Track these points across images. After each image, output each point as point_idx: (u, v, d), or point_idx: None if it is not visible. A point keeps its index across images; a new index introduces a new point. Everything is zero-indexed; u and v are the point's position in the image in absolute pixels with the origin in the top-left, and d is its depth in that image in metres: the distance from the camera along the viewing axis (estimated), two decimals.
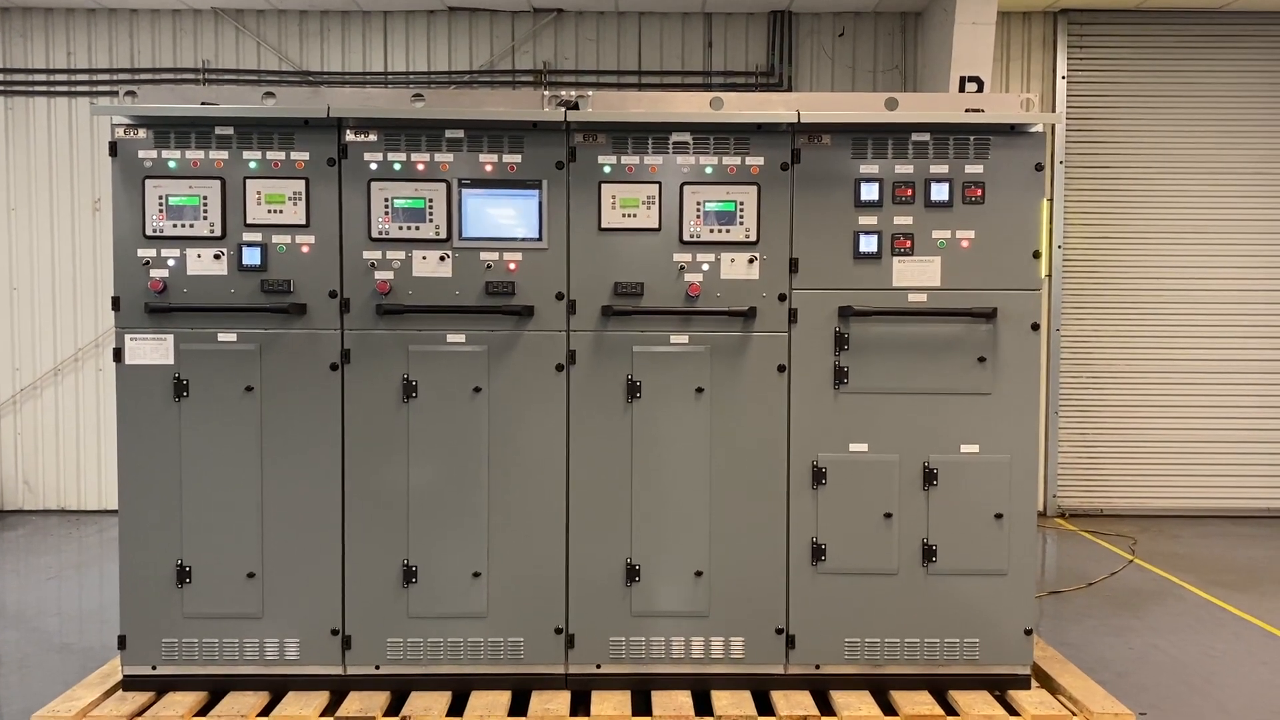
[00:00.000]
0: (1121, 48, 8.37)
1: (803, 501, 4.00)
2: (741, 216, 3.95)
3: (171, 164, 3.90)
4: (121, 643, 3.97)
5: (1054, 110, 8.28)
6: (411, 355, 3.94)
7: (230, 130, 3.91)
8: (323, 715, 3.82)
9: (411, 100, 3.96)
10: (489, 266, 3.95)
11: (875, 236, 3.96)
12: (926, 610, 4.01)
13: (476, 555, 3.98)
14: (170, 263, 3.91)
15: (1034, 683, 4.05)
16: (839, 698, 3.92)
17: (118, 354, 3.93)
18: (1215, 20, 8.33)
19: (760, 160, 3.96)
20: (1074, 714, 3.82)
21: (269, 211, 3.91)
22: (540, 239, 3.95)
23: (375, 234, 3.93)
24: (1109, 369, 8.46)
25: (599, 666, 4.01)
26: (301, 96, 4.11)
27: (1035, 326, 3.99)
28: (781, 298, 3.97)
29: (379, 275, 3.93)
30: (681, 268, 3.95)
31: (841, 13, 8.33)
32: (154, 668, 3.97)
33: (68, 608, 5.97)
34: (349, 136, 3.92)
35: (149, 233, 3.90)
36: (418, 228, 3.93)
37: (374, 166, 3.93)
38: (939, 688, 4.00)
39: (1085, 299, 8.43)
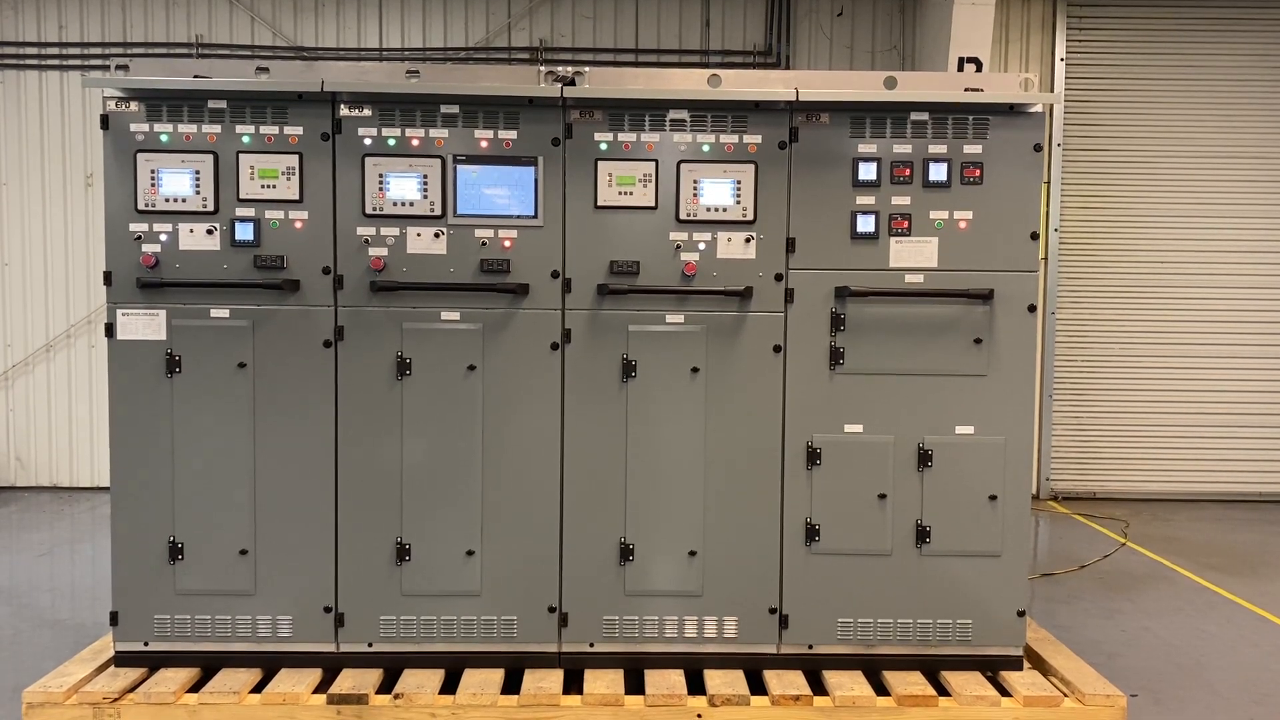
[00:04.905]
0: (1121, 30, 8.34)
1: (797, 482, 3.99)
2: (739, 195, 3.92)
3: (164, 137, 3.86)
4: (113, 619, 3.96)
5: (1053, 92, 8.25)
6: (405, 333, 3.92)
7: (223, 104, 3.87)
8: (315, 692, 3.81)
9: (406, 75, 3.92)
10: (484, 244, 3.92)
11: (873, 216, 3.93)
12: (919, 591, 4.01)
13: (470, 534, 3.97)
14: (163, 238, 3.88)
15: (1026, 664, 4.06)
16: (831, 677, 3.92)
17: (109, 329, 3.90)
18: (1215, 3, 8.30)
19: (758, 139, 3.93)
20: (1066, 695, 3.83)
21: (262, 186, 3.88)
22: (536, 216, 3.92)
23: (369, 210, 3.89)
24: (1104, 352, 8.47)
25: (592, 645, 4.01)
26: (295, 70, 4.07)
27: (1032, 308, 3.98)
28: (778, 278, 3.95)
29: (373, 252, 3.90)
30: (678, 246, 3.93)
31: None
32: (146, 644, 3.96)
33: (60, 584, 5.96)
34: (343, 111, 3.89)
35: (141, 207, 3.87)
36: (412, 204, 3.90)
37: (368, 142, 3.89)
38: (931, 668, 4.00)
39: (1081, 282, 8.43)
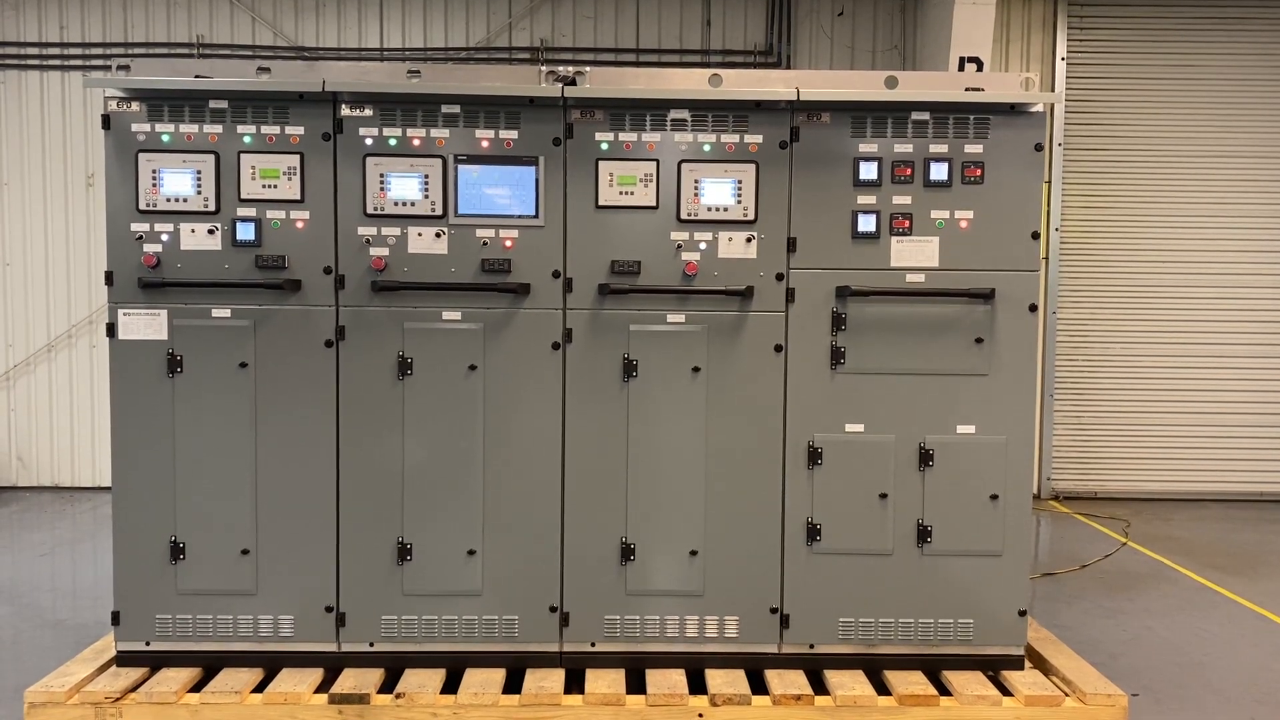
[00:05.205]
0: (1122, 29, 8.34)
1: (798, 481, 3.99)
2: (739, 195, 3.93)
3: (165, 137, 3.87)
4: (115, 619, 3.96)
5: (1053, 92, 8.24)
6: (407, 333, 3.92)
7: (224, 104, 3.87)
8: (317, 692, 3.81)
9: (407, 75, 3.92)
10: (485, 244, 3.92)
11: (874, 216, 3.93)
12: (921, 591, 4.01)
13: (471, 533, 3.97)
14: (164, 237, 3.88)
15: (1027, 664, 4.06)
16: (833, 677, 3.92)
17: (111, 329, 3.90)
18: (1216, 2, 8.29)
19: (759, 138, 3.93)
20: (1067, 695, 3.83)
21: (263, 186, 3.88)
22: (537, 216, 3.92)
23: (370, 210, 3.90)
24: (1104, 352, 8.47)
25: (593, 645, 4.01)
26: (296, 70, 4.07)
27: (1033, 308, 3.98)
28: (779, 277, 3.95)
29: (374, 252, 3.90)
30: (679, 246, 3.93)
31: None
32: (148, 644, 3.96)
33: (61, 584, 5.97)
34: (344, 111, 3.89)
35: (142, 207, 3.87)
36: (413, 204, 3.90)
37: (369, 142, 3.89)
38: (933, 668, 4.00)
39: (1082, 282, 8.43)
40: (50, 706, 3.69)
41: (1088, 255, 8.41)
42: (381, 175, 3.89)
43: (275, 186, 3.88)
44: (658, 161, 3.92)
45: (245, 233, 3.88)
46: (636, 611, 4.00)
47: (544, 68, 3.99)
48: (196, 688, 3.83)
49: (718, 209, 3.93)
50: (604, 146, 3.92)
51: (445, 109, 3.90)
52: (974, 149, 3.93)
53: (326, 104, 3.88)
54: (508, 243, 3.92)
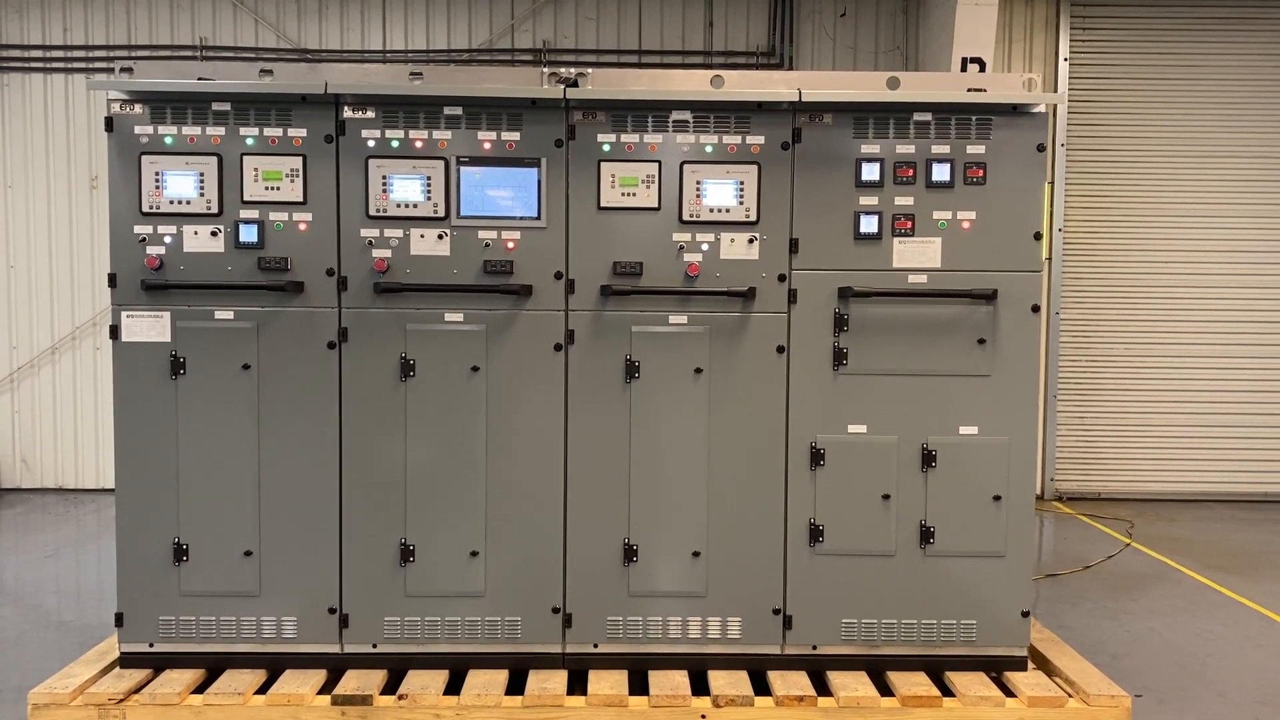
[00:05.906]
0: (1124, 30, 8.34)
1: (801, 482, 3.99)
2: (742, 196, 3.93)
3: (168, 140, 3.87)
4: (119, 620, 3.96)
5: (1056, 92, 8.24)
6: (409, 334, 3.93)
7: (227, 106, 3.87)
8: (320, 693, 3.82)
9: (410, 77, 3.93)
10: (487, 245, 3.93)
11: (876, 217, 3.93)
12: (924, 592, 4.00)
13: (474, 534, 3.98)
14: (167, 240, 3.89)
15: (1030, 665, 4.05)
16: (836, 678, 3.92)
17: (114, 331, 3.91)
18: (1219, 3, 8.29)
19: (761, 139, 3.93)
20: (1070, 696, 3.83)
21: (266, 189, 3.89)
22: (539, 217, 3.92)
23: (373, 212, 3.90)
24: (1107, 352, 8.46)
25: (596, 646, 4.01)
26: (299, 73, 4.08)
27: (1035, 309, 3.98)
28: (781, 278, 3.95)
29: (377, 253, 3.90)
30: (681, 247, 3.93)
31: None
32: (151, 645, 3.96)
33: (65, 585, 5.98)
34: (347, 113, 3.89)
35: (145, 209, 3.88)
36: (415, 206, 3.91)
37: (372, 144, 3.90)
38: (936, 669, 4.00)
39: (1085, 282, 8.43)
40: (54, 708, 3.70)
41: (1090, 255, 8.41)
42: (384, 177, 3.90)
43: (278, 189, 3.89)
44: (660, 163, 3.92)
45: (248, 235, 3.88)
46: (639, 613, 4.00)
47: (546, 69, 3.99)
48: (200, 689, 3.84)
49: (720, 210, 3.93)
50: (606, 148, 3.92)
51: (447, 111, 3.90)
52: (976, 150, 3.93)
53: (329, 106, 3.89)
54: (510, 244, 3.93)
